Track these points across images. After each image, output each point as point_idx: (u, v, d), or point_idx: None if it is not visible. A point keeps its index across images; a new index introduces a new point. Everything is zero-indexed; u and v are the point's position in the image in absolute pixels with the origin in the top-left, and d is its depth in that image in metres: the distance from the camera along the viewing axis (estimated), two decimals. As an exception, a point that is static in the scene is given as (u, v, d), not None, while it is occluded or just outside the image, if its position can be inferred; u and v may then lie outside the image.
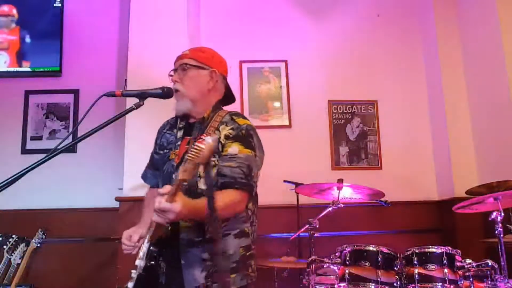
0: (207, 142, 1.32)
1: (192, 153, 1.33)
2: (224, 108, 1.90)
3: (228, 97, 1.93)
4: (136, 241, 1.72)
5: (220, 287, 1.58)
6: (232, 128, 1.73)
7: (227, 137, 1.71)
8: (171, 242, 1.67)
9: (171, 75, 1.84)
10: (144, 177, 2.03)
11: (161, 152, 1.89)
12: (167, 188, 1.44)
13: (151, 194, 1.97)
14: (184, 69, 1.79)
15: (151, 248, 1.65)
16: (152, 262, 1.64)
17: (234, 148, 1.68)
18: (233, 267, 1.66)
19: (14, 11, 4.03)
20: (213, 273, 1.63)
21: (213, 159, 1.67)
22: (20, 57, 4.00)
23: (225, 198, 1.61)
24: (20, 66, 3.98)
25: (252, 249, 1.75)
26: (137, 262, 1.70)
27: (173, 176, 1.72)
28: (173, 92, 1.77)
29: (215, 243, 1.59)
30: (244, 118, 1.81)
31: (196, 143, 1.33)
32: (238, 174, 1.65)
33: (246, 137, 1.73)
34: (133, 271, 1.70)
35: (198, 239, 1.65)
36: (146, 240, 1.71)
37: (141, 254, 1.70)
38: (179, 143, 1.81)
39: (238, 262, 1.68)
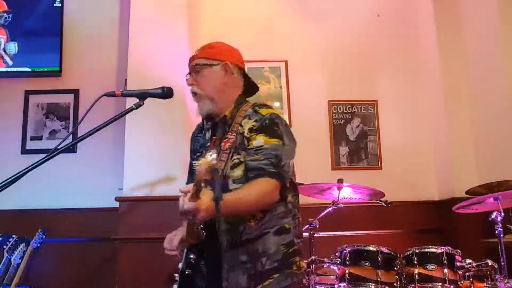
0: (203, 159, 1.27)
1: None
2: (251, 98, 1.85)
3: (251, 87, 1.86)
4: (177, 244, 1.70)
5: None
6: (255, 120, 1.68)
7: (251, 130, 1.67)
8: (211, 246, 1.63)
9: (187, 79, 1.81)
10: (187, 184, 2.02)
11: (195, 156, 1.87)
12: (188, 187, 1.40)
13: None
14: (197, 71, 1.77)
15: (190, 255, 1.63)
16: (189, 270, 1.61)
17: (259, 140, 1.63)
18: (276, 266, 1.60)
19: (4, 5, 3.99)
20: (254, 274, 1.58)
21: (237, 156, 1.65)
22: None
23: (253, 190, 1.56)
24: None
25: (296, 245, 1.67)
26: (180, 265, 1.67)
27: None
28: (192, 95, 1.76)
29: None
30: (268, 107, 1.75)
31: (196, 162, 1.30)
32: (266, 165, 1.59)
33: (271, 126, 1.67)
34: (176, 274, 1.68)
35: (236, 240, 1.62)
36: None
37: (184, 258, 1.68)
38: (208, 144, 1.79)
39: (281, 261, 1.61)
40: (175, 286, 1.66)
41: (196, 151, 1.87)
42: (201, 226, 1.59)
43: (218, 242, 1.63)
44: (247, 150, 1.64)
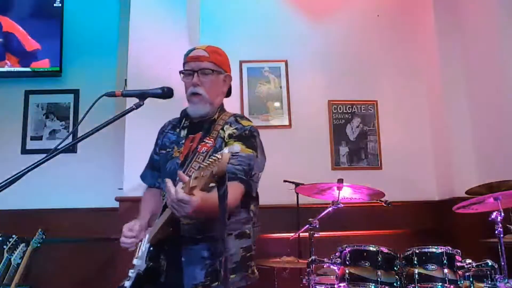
0: (225, 153, 1.27)
1: (209, 162, 1.28)
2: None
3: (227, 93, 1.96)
4: (138, 231, 1.71)
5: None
6: (236, 128, 1.76)
7: (230, 136, 1.74)
8: (172, 239, 1.66)
9: (184, 73, 1.81)
10: (143, 177, 2.03)
11: (163, 151, 1.89)
12: (185, 177, 1.40)
13: (149, 193, 1.98)
14: (206, 74, 1.79)
15: (151, 249, 1.65)
16: (152, 263, 1.64)
17: (236, 147, 1.67)
18: (233, 268, 1.66)
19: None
20: (212, 271, 1.63)
21: (214, 156, 1.67)
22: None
23: (231, 191, 1.56)
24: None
25: (253, 250, 1.76)
26: (135, 261, 1.70)
27: (177, 172, 1.71)
28: (192, 95, 1.78)
29: (219, 243, 1.61)
30: (248, 120, 1.84)
31: (215, 154, 1.28)
32: (238, 171, 1.65)
33: (249, 138, 1.76)
34: (130, 270, 1.70)
35: (199, 236, 1.65)
36: (145, 241, 1.70)
37: (139, 253, 1.70)
38: (183, 141, 1.82)
39: (238, 263, 1.68)
40: (127, 283, 1.68)
41: (165, 147, 1.88)
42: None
43: (180, 236, 1.66)
44: None
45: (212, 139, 1.73)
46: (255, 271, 1.77)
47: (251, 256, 1.75)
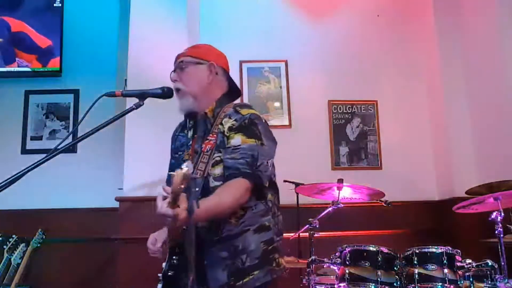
0: (179, 171, 1.23)
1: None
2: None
3: (233, 92, 1.89)
4: (160, 246, 1.72)
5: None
6: (235, 120, 1.70)
7: (230, 128, 1.69)
8: (194, 244, 1.65)
9: (171, 76, 1.84)
10: (167, 182, 2.02)
11: (176, 155, 1.88)
12: (168, 189, 1.38)
13: None
14: (182, 68, 1.79)
15: (172, 256, 1.64)
16: (172, 272, 1.61)
17: (237, 139, 1.65)
18: (256, 263, 1.63)
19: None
20: (235, 271, 1.60)
21: (218, 154, 1.66)
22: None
23: (227, 196, 1.58)
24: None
25: (275, 242, 1.70)
26: (163, 265, 1.68)
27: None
28: (175, 92, 1.76)
29: (238, 241, 1.61)
30: (249, 107, 1.76)
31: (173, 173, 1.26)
32: (241, 165, 1.61)
33: (249, 126, 1.68)
34: (159, 274, 1.68)
35: (216, 237, 1.64)
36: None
37: (167, 259, 1.69)
38: (190, 142, 1.80)
39: (260, 258, 1.64)
40: (160, 286, 1.67)
41: (178, 150, 1.88)
42: (184, 227, 1.59)
43: (198, 240, 1.62)
44: (225, 148, 1.66)
45: (214, 135, 1.70)
46: (281, 262, 1.70)
47: (274, 248, 1.69)
